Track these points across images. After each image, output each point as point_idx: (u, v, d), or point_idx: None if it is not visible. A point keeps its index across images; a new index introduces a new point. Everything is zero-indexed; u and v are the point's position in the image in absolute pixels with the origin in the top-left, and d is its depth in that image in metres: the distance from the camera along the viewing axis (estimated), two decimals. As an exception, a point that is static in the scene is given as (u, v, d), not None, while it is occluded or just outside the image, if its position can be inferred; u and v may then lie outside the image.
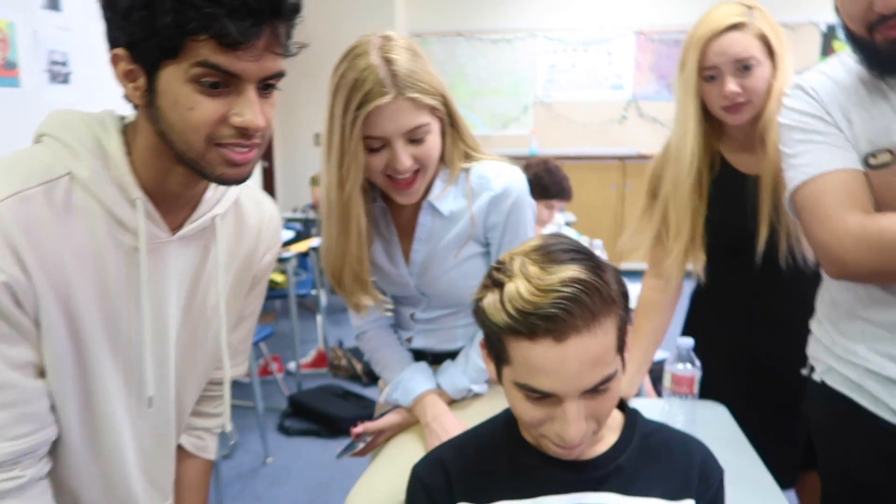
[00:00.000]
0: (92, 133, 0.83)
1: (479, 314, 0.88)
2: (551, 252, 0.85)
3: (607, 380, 0.84)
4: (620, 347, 0.87)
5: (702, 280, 1.57)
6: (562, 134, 6.28)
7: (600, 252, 2.82)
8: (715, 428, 1.45)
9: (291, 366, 3.95)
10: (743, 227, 1.47)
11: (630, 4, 6.08)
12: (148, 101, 0.79)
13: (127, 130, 0.86)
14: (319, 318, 4.20)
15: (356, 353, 4.07)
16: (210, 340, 1.01)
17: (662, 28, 6.00)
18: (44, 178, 0.79)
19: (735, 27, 1.37)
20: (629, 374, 1.60)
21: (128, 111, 0.87)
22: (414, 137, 1.18)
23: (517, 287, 0.82)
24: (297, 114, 5.92)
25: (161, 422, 0.98)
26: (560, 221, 3.24)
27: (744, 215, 1.46)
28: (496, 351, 0.88)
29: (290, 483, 2.85)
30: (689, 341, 1.44)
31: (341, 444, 1.41)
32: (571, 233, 3.25)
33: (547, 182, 2.91)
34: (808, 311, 1.36)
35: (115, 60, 0.79)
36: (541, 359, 0.81)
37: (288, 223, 4.60)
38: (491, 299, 0.85)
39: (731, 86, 1.38)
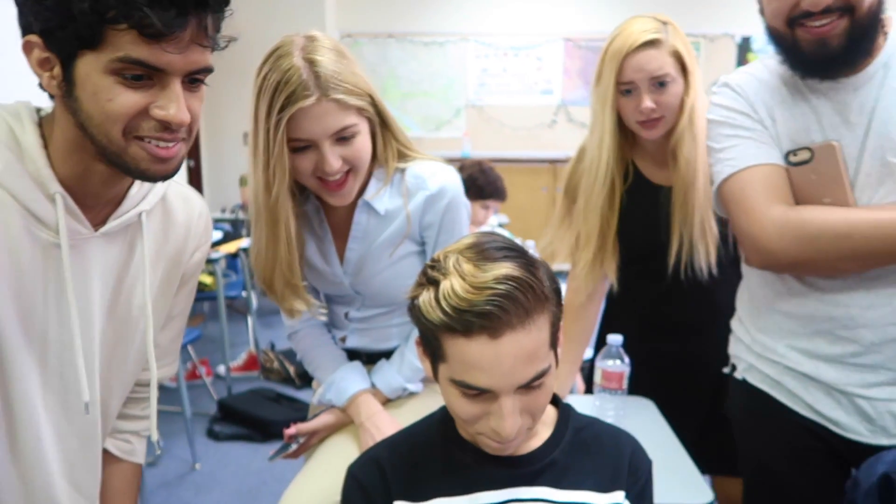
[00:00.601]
0: (5, 125, 0.80)
1: (415, 312, 0.89)
2: (485, 250, 0.86)
3: (541, 375, 0.86)
4: (553, 343, 0.89)
5: (614, 287, 1.60)
6: (494, 137, 6.37)
7: (532, 252, 2.87)
8: (643, 421, 1.50)
9: (221, 369, 3.85)
10: (654, 236, 1.51)
11: (558, 12, 6.22)
12: (65, 91, 0.75)
13: (43, 123, 0.82)
14: (250, 321, 4.12)
15: (288, 355, 4.01)
16: (136, 341, 0.98)
17: (590, 35, 6.16)
18: None
19: (651, 44, 1.40)
20: (562, 375, 1.64)
21: (45, 102, 0.83)
22: (342, 137, 1.17)
23: (452, 285, 0.83)
24: (225, 111, 5.77)
25: (86, 425, 0.94)
26: (494, 223, 3.28)
27: (656, 225, 1.51)
28: (432, 348, 0.89)
29: (218, 489, 2.78)
30: (618, 338, 1.49)
31: (273, 447, 1.39)
32: (505, 234, 3.29)
33: (482, 182, 2.95)
34: (718, 315, 1.43)
35: (27, 48, 0.75)
36: (476, 355, 0.82)
37: (216, 223, 4.48)
38: (426, 297, 0.86)
39: (647, 102, 1.41)
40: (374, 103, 1.22)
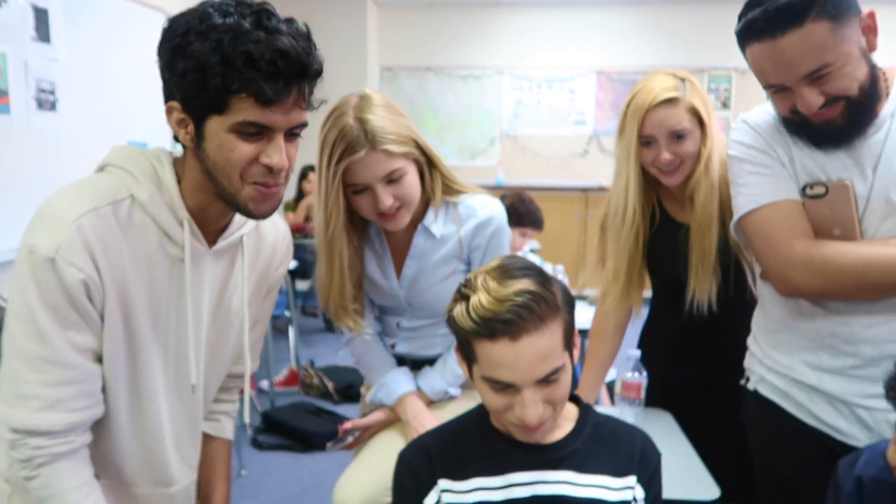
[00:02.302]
0: (150, 164, 1.01)
1: (451, 323, 1.07)
2: (508, 269, 1.04)
3: (556, 371, 1.03)
4: (567, 345, 1.06)
5: (639, 316, 1.74)
6: (527, 166, 6.55)
7: (561, 276, 3.03)
8: (659, 426, 1.64)
9: (264, 384, 4.05)
10: (675, 270, 1.64)
11: (591, 47, 6.42)
12: (196, 144, 0.96)
13: (176, 164, 1.04)
14: (292, 338, 4.32)
15: (328, 372, 4.20)
16: (231, 340, 1.18)
17: (621, 69, 6.35)
18: (112, 199, 0.97)
19: (669, 101, 1.53)
20: (587, 390, 1.80)
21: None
22: (391, 179, 1.37)
23: (479, 299, 1.01)
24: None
25: (193, 406, 1.14)
26: (526, 249, 3.45)
27: (676, 260, 1.64)
28: (466, 352, 1.07)
29: (264, 494, 2.96)
30: (636, 353, 1.65)
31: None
32: (535, 259, 3.45)
33: (522, 212, 3.13)
34: (735, 340, 1.55)
35: (169, 111, 0.97)
36: (500, 355, 1.00)
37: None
38: (459, 309, 1.04)
39: (666, 154, 1.55)
40: (418, 146, 1.43)
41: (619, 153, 1.65)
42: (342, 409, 3.76)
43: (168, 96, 0.96)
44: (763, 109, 1.34)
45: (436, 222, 1.50)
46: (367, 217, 1.44)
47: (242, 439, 3.40)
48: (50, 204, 0.96)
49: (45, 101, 3.10)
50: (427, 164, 1.47)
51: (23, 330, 0.94)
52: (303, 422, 3.48)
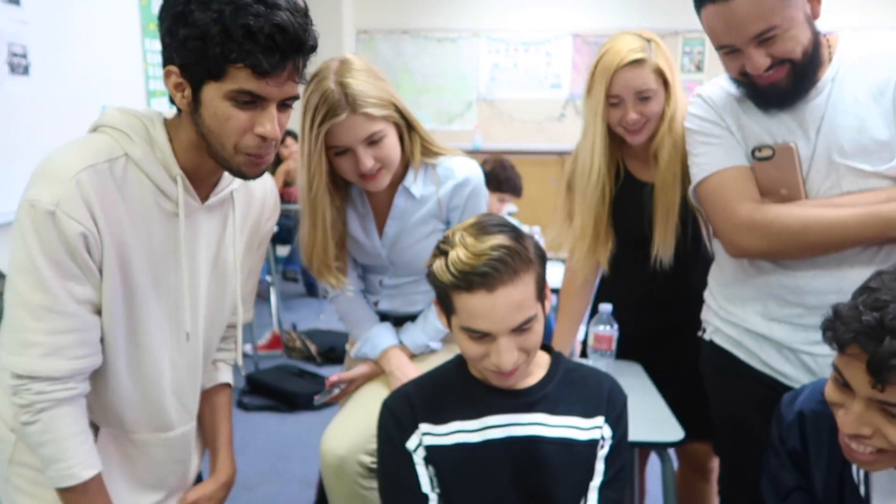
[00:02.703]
0: (142, 125, 1.06)
1: (431, 277, 1.14)
2: (484, 226, 1.11)
3: (529, 320, 1.10)
4: (540, 296, 1.13)
5: (606, 271, 1.81)
6: (504, 130, 6.57)
7: (538, 237, 3.11)
8: (629, 377, 1.74)
9: (248, 348, 4.11)
10: (640, 227, 1.71)
11: (567, 9, 6.40)
12: (192, 108, 1.01)
13: (168, 124, 1.08)
14: (274, 303, 4.37)
15: (310, 335, 4.26)
16: (230, 292, 1.25)
17: (598, 32, 6.35)
18: (108, 157, 1.02)
19: (636, 63, 1.58)
20: (561, 343, 1.88)
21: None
22: (372, 141, 1.42)
23: (457, 253, 1.08)
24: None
25: (193, 355, 1.21)
26: (503, 212, 3.51)
27: (641, 218, 1.71)
28: (445, 305, 1.14)
29: (250, 453, 3.04)
30: (608, 307, 1.73)
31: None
32: (513, 222, 3.52)
33: (502, 178, 3.18)
34: (690, 291, 1.64)
35: (167, 75, 1.01)
36: (477, 306, 1.07)
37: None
38: (438, 264, 1.11)
39: (632, 114, 1.61)
40: (398, 110, 1.48)
41: (586, 113, 1.71)
42: (325, 371, 3.83)
43: (167, 60, 1.00)
44: (716, 83, 1.44)
45: (415, 183, 1.56)
46: (348, 178, 1.49)
47: (241, 369, 3.46)
48: (50, 161, 1.00)
49: (18, 66, 3.06)
50: (406, 126, 1.51)
51: (25, 281, 0.99)
52: (287, 383, 3.55)
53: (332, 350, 4.09)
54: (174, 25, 0.96)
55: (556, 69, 6.46)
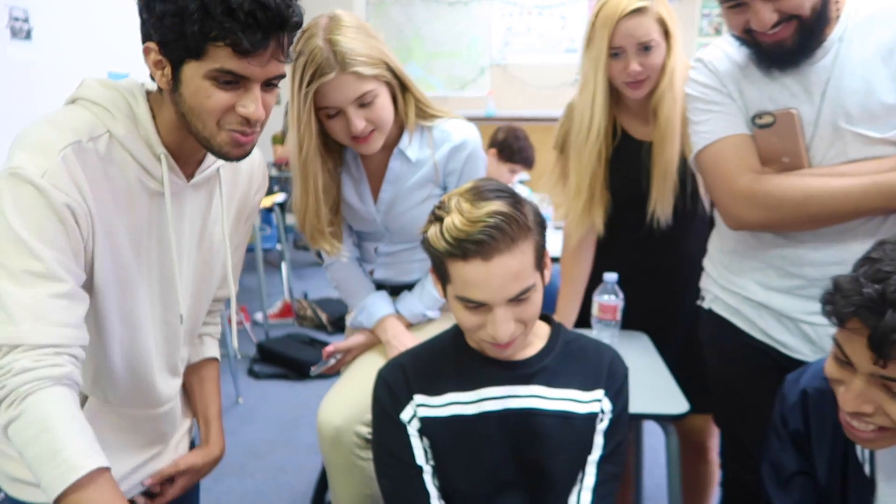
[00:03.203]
0: (125, 100, 1.01)
1: (426, 244, 1.09)
2: (481, 191, 1.06)
3: (527, 290, 1.05)
4: (539, 265, 1.08)
5: (600, 234, 1.74)
6: (517, 96, 6.46)
7: (547, 205, 3.05)
8: (636, 348, 1.70)
9: (258, 316, 4.13)
10: (637, 187, 1.66)
11: (583, -30, 6.25)
12: (172, 87, 0.96)
13: (150, 99, 1.04)
14: (284, 271, 4.37)
15: (321, 304, 4.27)
16: (217, 268, 1.21)
17: (614, -7, 6.18)
18: (91, 135, 0.97)
19: (639, 11, 1.52)
20: (565, 311, 1.84)
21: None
22: (363, 102, 1.37)
23: (453, 220, 1.03)
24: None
25: (177, 334, 1.18)
26: (514, 181, 3.44)
27: (638, 177, 1.65)
28: (441, 273, 1.10)
29: (260, 420, 3.06)
30: (613, 276, 1.68)
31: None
32: (524, 190, 3.45)
33: (515, 148, 3.10)
34: (682, 261, 1.60)
35: (146, 51, 0.96)
36: (473, 275, 1.02)
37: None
38: (433, 231, 1.06)
39: (635, 65, 1.54)
40: (390, 69, 1.42)
41: (585, 67, 1.63)
42: (335, 340, 3.82)
43: (145, 37, 0.95)
44: (718, 46, 1.38)
45: (411, 146, 1.51)
46: (340, 141, 1.44)
47: (239, 369, 3.49)
48: (29, 135, 0.95)
49: (20, 30, 3.03)
50: (399, 87, 1.46)
51: (7, 249, 0.91)
52: (297, 351, 3.56)
53: (343, 319, 4.09)
54: (152, 0, 0.91)
55: (571, 33, 6.32)
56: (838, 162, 1.24)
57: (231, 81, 0.94)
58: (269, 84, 0.98)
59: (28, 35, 3.06)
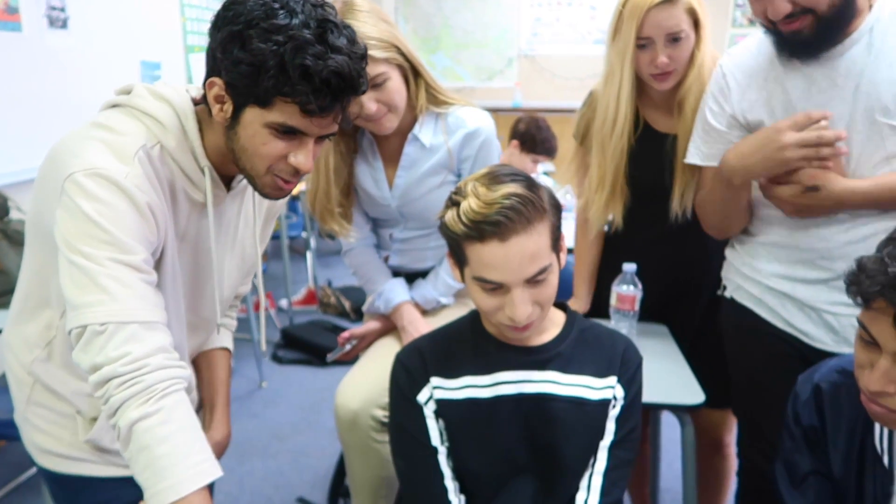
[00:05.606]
0: (176, 118, 1.04)
1: (443, 228, 1.11)
2: (496, 175, 1.08)
3: (544, 271, 1.07)
4: (554, 246, 1.10)
5: (619, 226, 1.71)
6: (545, 87, 6.42)
7: (570, 195, 3.05)
8: (654, 339, 1.71)
9: (283, 303, 4.18)
10: (660, 180, 1.64)
11: (613, -40, 6.17)
12: (229, 124, 0.99)
13: (198, 114, 1.06)
14: (309, 259, 4.42)
15: (345, 291, 4.31)
16: (247, 271, 1.27)
17: (645, -16, 6.11)
18: (147, 144, 1.00)
19: (669, 1, 1.47)
20: (581, 294, 1.85)
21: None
22: (374, 83, 1.39)
23: (469, 203, 1.05)
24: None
25: (208, 325, 1.25)
26: (539, 171, 3.44)
27: (661, 170, 1.63)
28: (457, 256, 1.12)
29: (283, 404, 3.12)
30: (632, 266, 1.67)
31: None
32: (548, 181, 3.45)
33: (538, 139, 3.08)
34: (704, 255, 1.59)
35: (210, 85, 0.98)
36: (489, 256, 1.04)
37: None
38: (450, 215, 1.08)
39: (663, 57, 1.50)
40: (402, 53, 1.44)
41: (612, 57, 1.60)
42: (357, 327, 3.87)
43: (213, 72, 0.97)
44: (745, 46, 1.36)
45: (423, 131, 1.53)
46: (355, 122, 1.47)
47: (263, 354, 3.55)
48: (83, 139, 0.97)
49: (57, 19, 3.10)
50: (412, 71, 1.48)
51: (100, 243, 0.91)
52: (320, 338, 3.61)
53: (366, 306, 4.13)
54: (230, 44, 0.93)
55: (600, 24, 6.25)
56: (878, 155, 1.22)
57: (289, 132, 0.96)
58: (321, 138, 1.01)
59: (65, 24, 3.13)
